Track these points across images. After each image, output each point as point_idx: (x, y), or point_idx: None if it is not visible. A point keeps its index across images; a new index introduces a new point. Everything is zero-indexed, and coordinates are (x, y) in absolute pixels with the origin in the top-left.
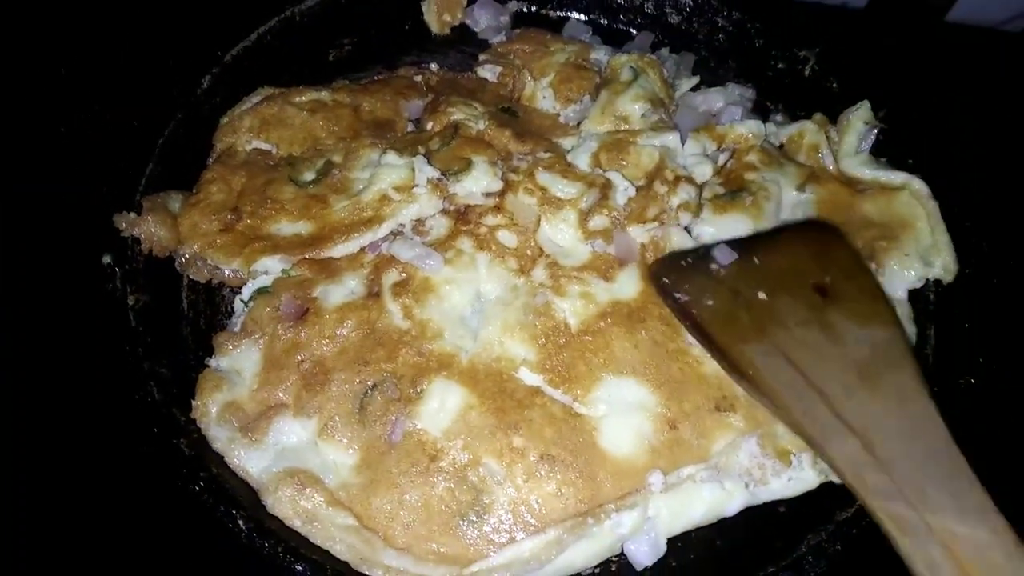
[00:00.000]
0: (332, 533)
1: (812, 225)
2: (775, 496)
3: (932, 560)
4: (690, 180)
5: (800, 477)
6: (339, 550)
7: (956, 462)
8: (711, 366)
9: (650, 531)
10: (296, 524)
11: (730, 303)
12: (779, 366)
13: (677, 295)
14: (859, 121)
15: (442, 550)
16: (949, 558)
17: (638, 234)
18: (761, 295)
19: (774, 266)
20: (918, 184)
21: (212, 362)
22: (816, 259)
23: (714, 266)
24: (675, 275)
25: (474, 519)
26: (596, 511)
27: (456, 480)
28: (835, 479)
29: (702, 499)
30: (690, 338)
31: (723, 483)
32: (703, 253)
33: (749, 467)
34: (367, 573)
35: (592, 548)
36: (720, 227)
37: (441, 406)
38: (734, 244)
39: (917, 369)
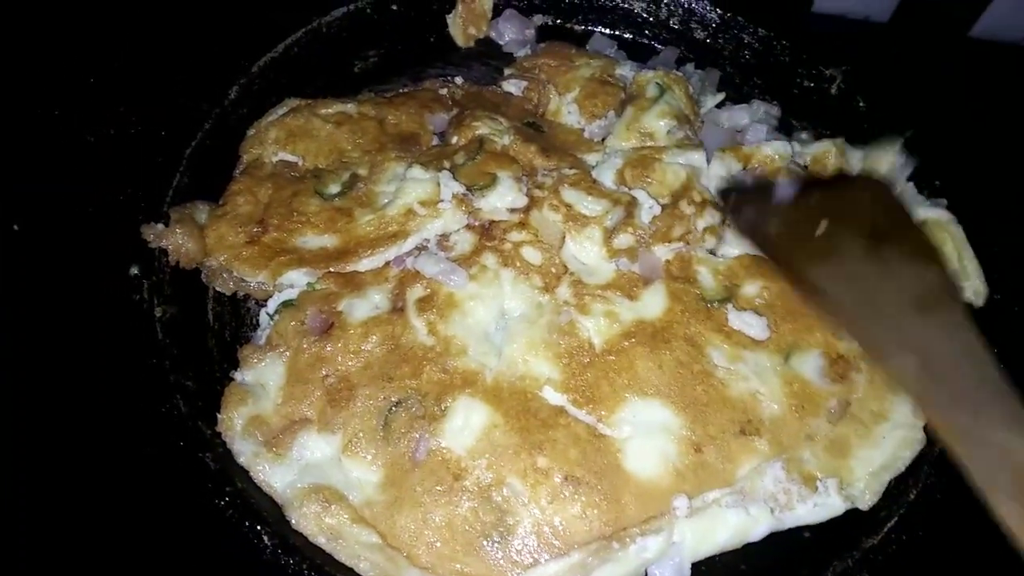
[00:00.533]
0: (356, 551)
1: (864, 179)
2: (800, 522)
3: (991, 467)
4: (715, 205)
5: (826, 503)
6: (363, 568)
7: (1004, 389)
8: (736, 389)
9: (675, 556)
10: (320, 541)
11: (793, 229)
12: (843, 287)
13: (746, 217)
14: (885, 164)
15: (466, 570)
16: (1005, 466)
17: (663, 253)
18: (819, 231)
19: (831, 207)
20: (936, 214)
21: (237, 375)
22: (870, 206)
23: (777, 198)
24: (742, 198)
25: (498, 540)
26: (621, 535)
27: (480, 500)
28: (861, 506)
29: (727, 524)
30: (715, 359)
31: (748, 508)
32: (766, 184)
33: (775, 492)
34: None
35: (616, 572)
36: (745, 246)
37: (465, 424)
38: (794, 184)
39: (965, 308)
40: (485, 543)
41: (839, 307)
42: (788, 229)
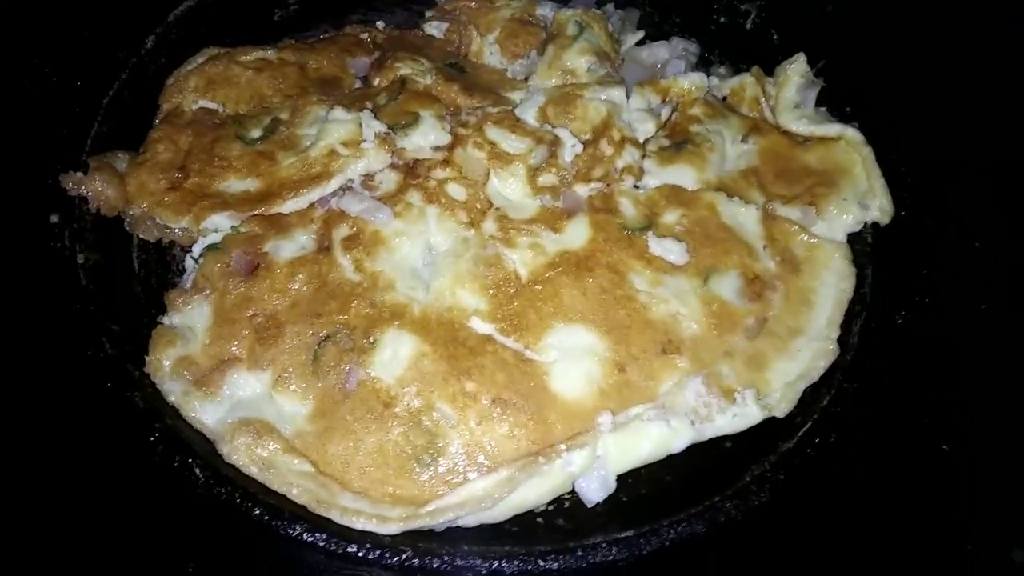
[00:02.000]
0: (289, 479)
1: None
2: (720, 432)
3: None
4: (635, 143)
5: (744, 413)
6: (296, 494)
7: None
8: (657, 311)
9: (600, 469)
10: (253, 471)
11: None
12: None
13: None
14: (795, 75)
15: (398, 492)
16: None
17: (584, 192)
18: None
19: None
20: (852, 132)
21: (164, 319)
22: None
23: None
24: None
25: (428, 461)
26: (547, 451)
27: (410, 425)
28: (778, 414)
29: (649, 437)
30: (637, 284)
31: (670, 421)
32: None
33: (695, 405)
34: (324, 515)
35: (544, 485)
36: (665, 177)
37: (394, 355)
38: None
39: None
40: (416, 466)
41: None
42: None
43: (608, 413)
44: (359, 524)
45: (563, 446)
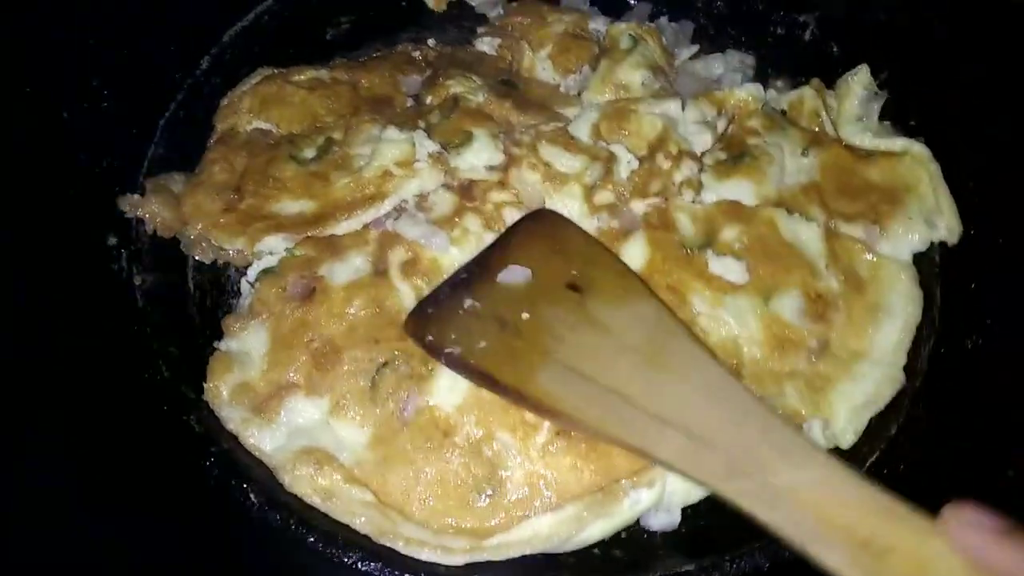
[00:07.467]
0: (352, 508)
1: (535, 218)
2: None
3: (791, 518)
4: (692, 155)
5: None
6: (359, 524)
7: (762, 415)
8: (717, 335)
9: (667, 503)
10: (315, 501)
11: (501, 335)
12: (575, 383)
13: (448, 350)
14: (857, 87)
15: (460, 524)
16: (802, 508)
17: (640, 208)
18: (525, 315)
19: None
20: (918, 148)
21: (222, 344)
22: (555, 254)
23: (468, 302)
24: (435, 327)
25: (490, 493)
26: (613, 487)
27: (471, 455)
28: (842, 445)
29: None
30: (697, 307)
31: None
32: (447, 291)
33: None
34: (388, 545)
35: (611, 524)
36: (723, 192)
37: (453, 382)
38: (472, 266)
39: (688, 330)
40: (478, 497)
41: (583, 411)
42: (495, 334)
43: None
44: (424, 555)
45: (629, 483)
